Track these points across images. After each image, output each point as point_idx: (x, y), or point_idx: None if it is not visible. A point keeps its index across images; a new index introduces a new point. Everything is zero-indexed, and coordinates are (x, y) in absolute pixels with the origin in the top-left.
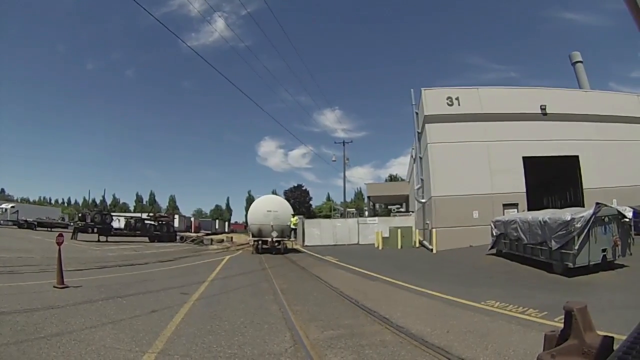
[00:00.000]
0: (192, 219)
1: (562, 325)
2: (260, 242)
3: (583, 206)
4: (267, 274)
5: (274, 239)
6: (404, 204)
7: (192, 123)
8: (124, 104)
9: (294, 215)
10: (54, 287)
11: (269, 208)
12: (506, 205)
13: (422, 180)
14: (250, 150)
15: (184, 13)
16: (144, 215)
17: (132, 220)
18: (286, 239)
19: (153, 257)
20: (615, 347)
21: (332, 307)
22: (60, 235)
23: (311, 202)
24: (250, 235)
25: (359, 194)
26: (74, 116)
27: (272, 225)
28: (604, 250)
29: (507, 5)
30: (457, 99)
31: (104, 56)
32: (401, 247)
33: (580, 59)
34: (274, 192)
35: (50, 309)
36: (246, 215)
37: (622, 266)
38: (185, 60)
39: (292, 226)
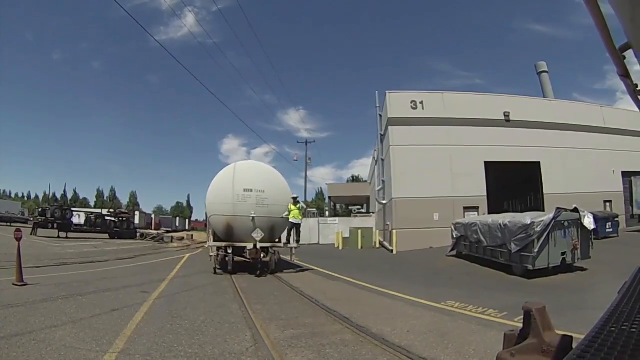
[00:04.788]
0: (153, 216)
1: (521, 325)
2: (230, 250)
3: (543, 210)
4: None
5: (258, 245)
6: (364, 205)
7: (156, 118)
8: (87, 96)
9: (296, 201)
10: (13, 284)
11: (248, 184)
12: (467, 208)
13: (383, 181)
14: (212, 148)
15: (154, 6)
16: (104, 211)
17: (92, 216)
18: (279, 245)
19: (113, 254)
20: (574, 345)
21: (292, 306)
22: (18, 230)
23: None
24: (211, 238)
25: (319, 194)
26: (36, 107)
27: (253, 218)
28: (563, 253)
29: (476, 13)
30: (421, 102)
31: (71, 46)
32: (361, 247)
33: (546, 69)
34: None
35: (9, 307)
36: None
37: (581, 269)
38: (151, 54)
39: (292, 219)
